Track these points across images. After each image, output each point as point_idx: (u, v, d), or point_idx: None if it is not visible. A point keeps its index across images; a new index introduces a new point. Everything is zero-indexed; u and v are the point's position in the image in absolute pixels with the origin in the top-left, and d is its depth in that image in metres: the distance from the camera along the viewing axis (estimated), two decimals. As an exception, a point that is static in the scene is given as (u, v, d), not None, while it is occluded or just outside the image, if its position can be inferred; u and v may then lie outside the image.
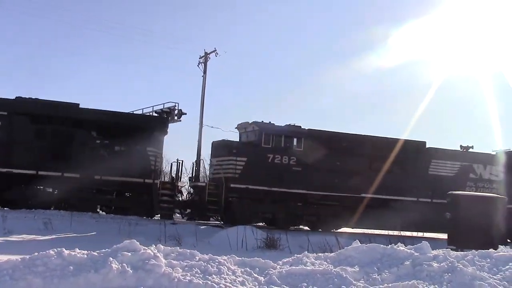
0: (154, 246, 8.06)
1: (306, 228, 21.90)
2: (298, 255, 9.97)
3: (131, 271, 7.06)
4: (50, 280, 6.70)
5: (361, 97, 71.91)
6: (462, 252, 11.67)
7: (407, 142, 22.64)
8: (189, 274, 7.48)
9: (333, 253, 10.63)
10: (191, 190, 22.83)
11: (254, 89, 75.68)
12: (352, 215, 21.32)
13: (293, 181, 20.71)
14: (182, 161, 22.50)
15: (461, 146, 23.99)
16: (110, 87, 75.24)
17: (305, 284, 8.16)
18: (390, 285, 8.67)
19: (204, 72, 34.71)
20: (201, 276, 7.54)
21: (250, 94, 74.58)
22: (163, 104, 21.76)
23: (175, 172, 22.20)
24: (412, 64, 69.13)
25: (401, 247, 10.70)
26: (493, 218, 15.74)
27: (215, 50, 34.61)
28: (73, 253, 7.31)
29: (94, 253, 7.48)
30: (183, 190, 23.40)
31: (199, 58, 35.04)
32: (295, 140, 21.32)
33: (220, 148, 21.63)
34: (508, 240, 18.99)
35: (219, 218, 21.59)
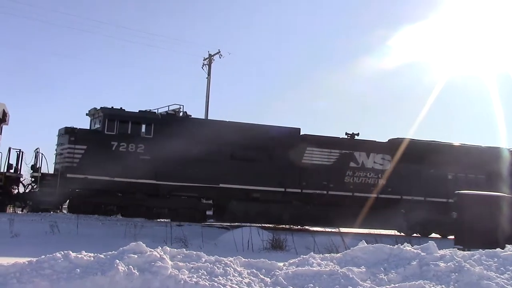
0: (160, 248, 8.07)
1: (314, 228, 21.72)
2: (304, 256, 9.95)
3: (137, 273, 7.07)
4: (57, 283, 6.72)
5: (364, 98, 71.72)
6: (469, 252, 11.62)
7: (277, 129, 21.14)
8: (195, 276, 7.49)
9: (339, 254, 10.61)
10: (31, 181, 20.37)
11: (257, 89, 75.63)
12: (212, 207, 20.31)
13: (141, 170, 19.04)
14: (20, 150, 19.78)
15: (346, 133, 22.43)
16: (116, 90, 75.45)
17: (311, 284, 8.15)
18: (397, 285, 8.65)
19: (208, 73, 34.83)
20: (207, 277, 7.55)
21: (253, 94, 74.57)
22: (168, 106, 21.65)
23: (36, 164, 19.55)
24: (414, 66, 68.89)
25: (407, 247, 10.67)
26: (499, 217, 15.67)
27: (219, 51, 34.74)
28: (79, 256, 7.33)
29: (101, 255, 7.50)
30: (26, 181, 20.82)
31: (203, 60, 35.18)
32: (143, 126, 19.62)
33: (61, 136, 19.99)
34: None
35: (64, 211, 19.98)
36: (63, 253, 7.27)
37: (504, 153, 23.20)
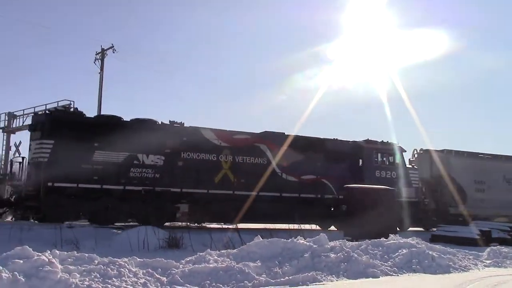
0: (49, 252, 7.69)
1: (210, 225, 21.70)
2: (201, 253, 9.99)
3: (23, 280, 6.66)
4: None
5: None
6: (357, 242, 12.35)
7: None
8: (87, 279, 7.23)
9: (235, 249, 10.77)
10: None
11: (151, 85, 74.24)
12: None
13: None
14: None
15: None
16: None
17: (208, 281, 8.21)
18: (290, 277, 8.97)
19: (101, 69, 33.53)
20: (100, 280, 7.32)
21: (148, 91, 73.11)
22: (57, 102, 20.60)
23: None
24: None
25: (300, 240, 11.09)
26: (383, 208, 16.77)
27: (113, 46, 33.55)
28: (-44, 266, 6.77)
29: (-19, 263, 6.98)
30: None
31: (96, 55, 33.82)
32: None
33: None
34: (398, 229, 20.03)
35: None
36: None
37: None
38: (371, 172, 22.44)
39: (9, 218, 18.11)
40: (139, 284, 7.57)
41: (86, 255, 8.30)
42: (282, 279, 8.88)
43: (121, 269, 7.80)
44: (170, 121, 19.74)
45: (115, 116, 18.59)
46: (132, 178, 18.07)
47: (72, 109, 19.97)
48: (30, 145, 17.96)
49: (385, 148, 23.36)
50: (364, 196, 17.18)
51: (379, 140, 23.48)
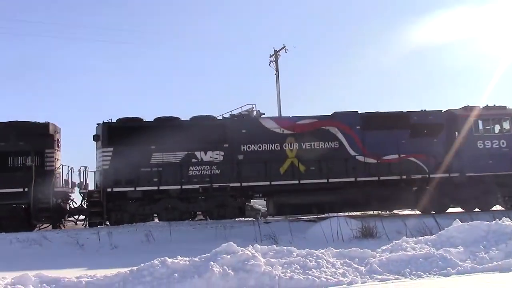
0: (251, 247, 8.21)
1: (403, 212, 21.11)
2: (397, 241, 9.74)
3: (232, 273, 7.24)
4: (158, 289, 7.03)
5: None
6: None
7: None
8: (289, 271, 7.56)
9: (433, 236, 10.27)
10: None
11: (327, 79, 74.66)
12: None
13: None
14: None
15: None
16: (187, 97, 77.52)
17: (408, 270, 7.97)
18: (500, 262, 8.24)
19: (276, 70, 34.77)
20: (300, 271, 7.59)
21: (323, 86, 73.70)
22: (241, 107, 21.75)
23: None
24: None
25: (506, 222, 10.15)
26: None
27: (284, 46, 34.54)
28: (176, 261, 7.62)
29: (195, 259, 7.75)
30: None
31: (270, 57, 35.16)
32: None
33: None
34: None
35: None
36: (160, 260, 7.59)
37: None
38: (471, 143, 19.67)
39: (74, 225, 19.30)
40: (338, 274, 7.67)
41: (285, 248, 8.66)
42: (490, 264, 8.22)
43: (319, 260, 7.99)
44: (230, 114, 19.80)
45: (172, 117, 19.06)
46: (192, 176, 18.43)
47: (254, 112, 20.85)
48: (96, 154, 18.97)
49: (489, 114, 20.23)
50: None
51: (482, 106, 20.54)
